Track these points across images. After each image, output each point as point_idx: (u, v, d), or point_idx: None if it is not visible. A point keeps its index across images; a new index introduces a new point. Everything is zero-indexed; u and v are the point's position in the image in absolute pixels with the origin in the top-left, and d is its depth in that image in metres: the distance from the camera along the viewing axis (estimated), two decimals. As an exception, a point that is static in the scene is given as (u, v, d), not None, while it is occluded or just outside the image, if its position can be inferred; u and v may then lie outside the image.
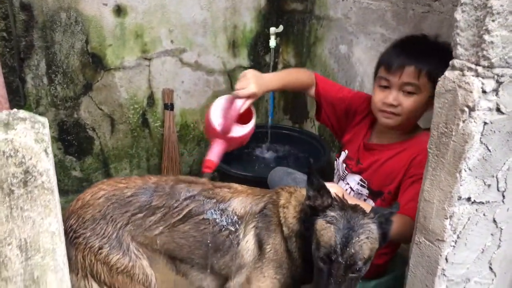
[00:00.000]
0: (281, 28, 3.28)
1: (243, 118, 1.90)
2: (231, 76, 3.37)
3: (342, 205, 1.48)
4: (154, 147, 3.31)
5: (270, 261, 1.65)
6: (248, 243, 1.67)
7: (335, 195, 1.50)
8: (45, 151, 0.87)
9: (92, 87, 3.01)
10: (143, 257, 1.68)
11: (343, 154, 2.09)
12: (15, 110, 0.93)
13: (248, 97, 1.85)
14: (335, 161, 2.16)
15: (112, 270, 1.62)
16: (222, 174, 2.85)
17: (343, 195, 1.56)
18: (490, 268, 1.53)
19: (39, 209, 0.89)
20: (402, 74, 1.77)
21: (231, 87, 3.34)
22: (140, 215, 1.65)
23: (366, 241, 1.42)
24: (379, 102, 1.85)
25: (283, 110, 3.70)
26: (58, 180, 3.06)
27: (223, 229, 1.68)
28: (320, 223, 1.46)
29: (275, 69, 3.43)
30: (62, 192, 3.10)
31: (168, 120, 3.22)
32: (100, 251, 1.60)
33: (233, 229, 1.68)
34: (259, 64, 3.42)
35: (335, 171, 2.15)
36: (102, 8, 2.86)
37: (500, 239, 1.49)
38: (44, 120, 0.93)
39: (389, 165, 1.88)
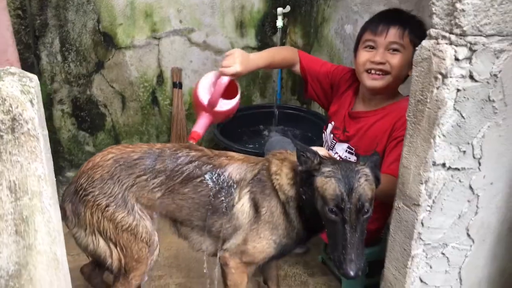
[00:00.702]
0: (288, 8, 3.32)
1: (229, 93, 1.99)
2: (239, 56, 3.44)
3: (332, 160, 1.57)
4: (164, 124, 3.42)
5: (266, 223, 1.74)
6: (243, 206, 1.76)
7: (322, 155, 1.59)
8: (31, 101, 0.96)
9: (104, 65, 3.13)
10: (147, 218, 1.79)
11: (330, 126, 2.18)
12: (7, 67, 1.03)
13: (232, 75, 1.93)
14: (323, 133, 2.24)
15: (118, 227, 1.73)
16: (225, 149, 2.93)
17: (329, 154, 1.64)
18: (468, 235, 1.57)
19: (26, 154, 0.99)
20: (387, 34, 1.91)
21: (239, 67, 3.41)
22: (144, 177, 1.75)
23: (366, 183, 1.52)
24: (366, 61, 1.96)
25: (291, 91, 3.75)
26: (72, 154, 3.23)
27: (219, 192, 1.77)
28: (319, 180, 1.55)
29: (282, 49, 3.48)
30: (76, 165, 3.25)
31: (177, 98, 3.32)
32: (107, 208, 1.72)
33: (228, 193, 1.77)
34: (266, 44, 3.48)
35: (324, 143, 2.23)
36: (113, -12, 2.96)
37: (477, 206, 1.53)
38: (33, 76, 1.03)
39: (373, 130, 1.98)
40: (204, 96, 1.95)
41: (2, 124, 0.94)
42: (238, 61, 1.95)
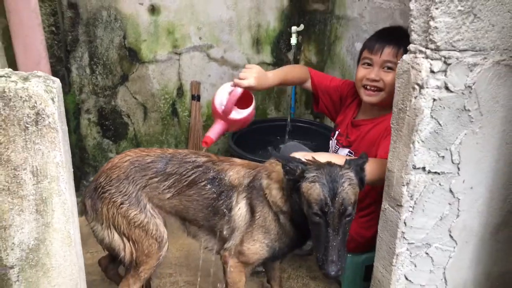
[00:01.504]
0: (302, 27, 3.49)
1: (244, 104, 2.14)
2: (255, 71, 3.63)
3: (317, 164, 1.68)
4: (182, 134, 3.62)
5: (259, 227, 1.86)
6: (240, 210, 1.90)
7: (305, 159, 1.71)
8: (52, 99, 1.15)
9: (128, 78, 3.37)
10: (158, 216, 1.95)
11: (336, 133, 2.34)
12: (35, 71, 1.23)
13: (245, 87, 2.09)
14: (330, 140, 2.39)
15: (130, 223, 1.90)
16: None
17: (312, 157, 1.75)
18: (451, 236, 1.67)
19: (46, 144, 1.18)
20: (382, 53, 2.06)
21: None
22: (156, 179, 1.93)
23: (350, 187, 1.60)
24: (363, 78, 2.12)
25: (305, 105, 3.91)
26: (96, 161, 3.45)
27: (220, 196, 1.92)
28: (305, 185, 1.63)
29: (296, 65, 3.65)
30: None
31: (195, 110, 3.52)
32: (121, 205, 1.89)
33: (228, 196, 1.91)
34: (281, 60, 3.66)
35: (329, 148, 2.38)
36: (138, 7, 3.21)
37: (458, 209, 1.63)
38: (56, 79, 1.22)
39: (370, 135, 2.13)
40: (219, 104, 2.09)
41: (28, 117, 1.13)
42: (255, 76, 2.09)
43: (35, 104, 1.13)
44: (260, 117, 3.75)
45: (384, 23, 2.92)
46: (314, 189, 1.60)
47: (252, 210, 1.89)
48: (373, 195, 2.12)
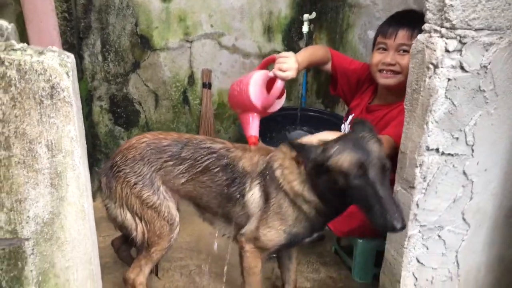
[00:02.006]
0: (314, 15, 3.47)
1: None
2: (266, 60, 3.62)
3: (332, 142, 1.64)
4: (193, 122, 3.63)
5: (275, 214, 1.86)
6: (253, 196, 1.90)
7: (318, 141, 1.69)
8: (67, 73, 1.16)
9: (140, 65, 3.38)
10: (171, 199, 1.97)
11: (350, 117, 2.32)
12: (49, 46, 1.24)
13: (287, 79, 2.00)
14: (342, 124, 2.38)
15: (143, 204, 1.92)
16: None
17: (319, 139, 1.72)
18: (464, 219, 1.67)
19: (61, 118, 1.19)
20: (396, 37, 2.07)
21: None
22: (170, 162, 1.94)
23: (376, 141, 1.61)
24: (379, 63, 2.11)
25: (316, 94, 3.89)
26: (108, 148, 3.48)
27: (233, 182, 1.92)
28: (333, 160, 1.59)
29: (308, 54, 3.63)
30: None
31: (206, 98, 3.53)
32: (135, 186, 1.92)
33: (241, 183, 1.91)
34: (292, 49, 3.63)
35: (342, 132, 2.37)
36: (150, -6, 3.22)
37: (472, 191, 1.62)
38: (70, 54, 1.23)
39: (384, 121, 2.11)
40: (256, 99, 1.96)
41: (43, 90, 1.14)
42: (295, 67, 1.99)
43: (50, 78, 1.14)
44: (271, 106, 3.73)
45: (397, 9, 2.88)
46: (345, 157, 1.57)
47: (266, 197, 1.88)
48: None
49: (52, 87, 1.15)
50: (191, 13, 3.35)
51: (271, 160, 1.90)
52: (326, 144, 1.66)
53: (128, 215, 1.96)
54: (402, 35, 2.05)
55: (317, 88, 3.87)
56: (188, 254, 2.55)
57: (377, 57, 2.13)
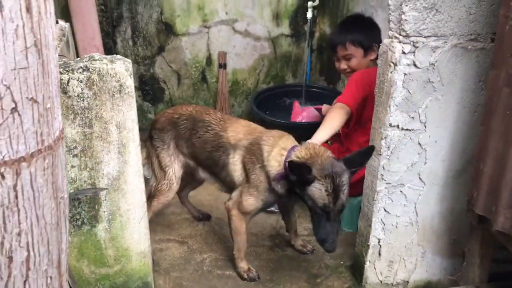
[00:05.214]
0: (317, 1, 3.90)
1: None
2: (274, 42, 4.10)
3: (321, 169, 1.98)
4: (211, 98, 4.15)
5: (254, 186, 2.22)
6: (236, 167, 2.28)
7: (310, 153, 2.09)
8: (130, 75, 1.69)
9: (164, 49, 3.89)
10: (177, 161, 2.47)
11: None
12: (115, 55, 1.76)
13: None
14: None
15: (159, 163, 2.47)
16: (259, 120, 3.61)
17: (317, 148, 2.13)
18: (420, 179, 2.17)
19: (126, 106, 1.72)
20: (337, 52, 2.82)
21: (274, 52, 4.13)
22: (182, 131, 2.44)
23: (347, 188, 2.02)
24: (338, 69, 2.88)
25: (319, 72, 4.36)
26: (139, 121, 4.02)
27: (219, 150, 2.33)
28: (312, 189, 1.98)
29: (311, 36, 4.08)
30: (140, 129, 4.04)
31: (222, 77, 4.03)
32: (157, 147, 2.47)
33: (225, 153, 2.30)
34: (298, 32, 4.10)
35: None
36: (173, -14, 3.69)
37: (425, 158, 2.12)
38: (129, 61, 1.75)
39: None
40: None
41: (114, 88, 1.68)
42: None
43: (119, 79, 1.67)
44: (279, 83, 4.23)
45: None
46: (320, 195, 1.98)
47: (247, 169, 2.23)
48: None
49: (120, 85, 1.68)
50: (208, 2, 3.82)
51: (261, 141, 2.21)
52: (314, 168, 1.98)
53: (151, 168, 2.52)
54: (339, 49, 2.77)
55: (320, 67, 4.33)
56: (208, 209, 3.11)
57: (336, 64, 2.89)
